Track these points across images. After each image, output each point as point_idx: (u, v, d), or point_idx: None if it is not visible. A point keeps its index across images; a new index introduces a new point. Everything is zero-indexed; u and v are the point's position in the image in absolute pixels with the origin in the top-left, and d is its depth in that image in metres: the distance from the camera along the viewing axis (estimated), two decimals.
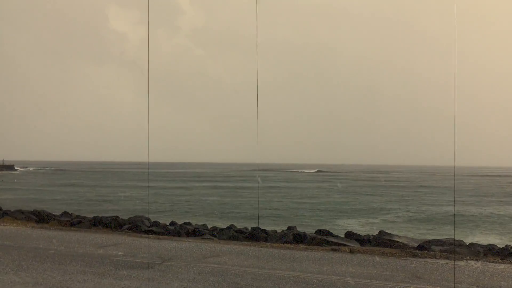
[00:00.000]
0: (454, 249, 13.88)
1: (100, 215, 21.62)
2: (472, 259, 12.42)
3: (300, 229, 18.97)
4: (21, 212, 21.97)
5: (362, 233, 18.16)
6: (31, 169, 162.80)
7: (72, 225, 19.38)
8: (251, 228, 18.26)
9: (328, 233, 16.63)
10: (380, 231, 18.28)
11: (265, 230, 17.84)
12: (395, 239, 16.58)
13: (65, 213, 22.58)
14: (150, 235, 16.52)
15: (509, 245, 15.01)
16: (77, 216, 21.83)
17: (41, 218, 20.79)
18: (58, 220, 20.31)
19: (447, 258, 12.46)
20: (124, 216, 22.27)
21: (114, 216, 20.59)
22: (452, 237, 18.03)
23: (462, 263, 11.89)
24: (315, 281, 9.63)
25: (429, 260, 12.21)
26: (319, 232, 16.85)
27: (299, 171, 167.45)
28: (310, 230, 19.34)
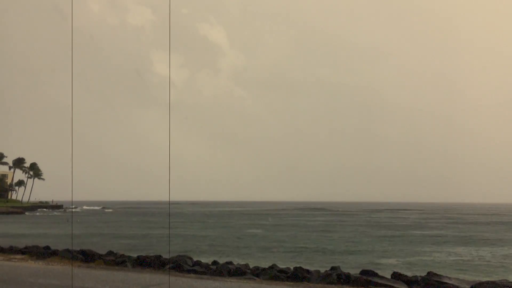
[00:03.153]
0: None
1: (143, 254, 21.88)
2: None
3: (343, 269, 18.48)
4: (68, 251, 22.53)
5: (409, 274, 17.49)
6: (78, 208, 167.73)
7: (116, 264, 19.68)
8: (294, 268, 17.96)
9: (373, 273, 16.12)
10: (428, 272, 17.56)
11: (308, 270, 17.51)
12: (445, 281, 15.87)
13: (110, 252, 22.98)
14: (192, 275, 16.52)
15: None
16: (122, 256, 22.16)
17: (87, 257, 21.24)
18: (104, 259, 20.68)
19: None
20: (167, 255, 22.41)
21: (157, 255, 20.77)
22: (506, 278, 17.08)
23: None
24: None
25: None
26: (363, 272, 16.37)
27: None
28: (354, 271, 18.78)
